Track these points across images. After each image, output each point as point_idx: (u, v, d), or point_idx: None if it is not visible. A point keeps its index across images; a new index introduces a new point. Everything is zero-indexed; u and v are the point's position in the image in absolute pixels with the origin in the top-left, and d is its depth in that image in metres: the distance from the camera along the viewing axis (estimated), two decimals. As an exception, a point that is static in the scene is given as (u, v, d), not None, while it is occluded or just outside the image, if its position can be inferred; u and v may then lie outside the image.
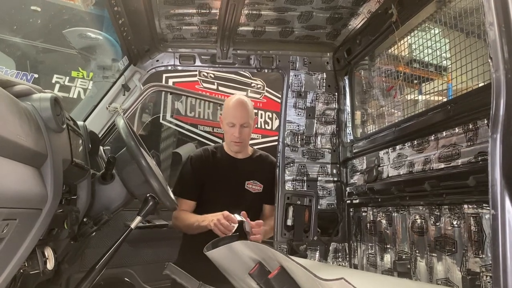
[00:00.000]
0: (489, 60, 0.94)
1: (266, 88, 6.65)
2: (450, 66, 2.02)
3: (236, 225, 2.26)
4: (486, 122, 1.62)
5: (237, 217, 2.29)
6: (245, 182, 2.64)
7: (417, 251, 2.07)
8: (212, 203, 2.50)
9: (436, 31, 2.18)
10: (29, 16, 5.79)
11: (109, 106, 2.80)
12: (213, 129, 5.79)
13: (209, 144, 5.48)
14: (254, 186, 2.66)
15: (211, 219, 2.29)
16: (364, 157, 2.65)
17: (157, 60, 2.92)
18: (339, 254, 2.81)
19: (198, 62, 2.96)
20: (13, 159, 1.04)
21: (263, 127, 6.53)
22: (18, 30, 5.70)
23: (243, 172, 2.66)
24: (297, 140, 2.91)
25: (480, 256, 1.62)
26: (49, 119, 1.28)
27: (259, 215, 2.69)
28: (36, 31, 5.81)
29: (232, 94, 6.24)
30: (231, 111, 2.57)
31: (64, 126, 1.41)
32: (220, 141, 4.32)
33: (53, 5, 5.93)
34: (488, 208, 1.58)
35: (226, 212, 2.28)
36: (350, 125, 2.90)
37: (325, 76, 2.97)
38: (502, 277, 0.85)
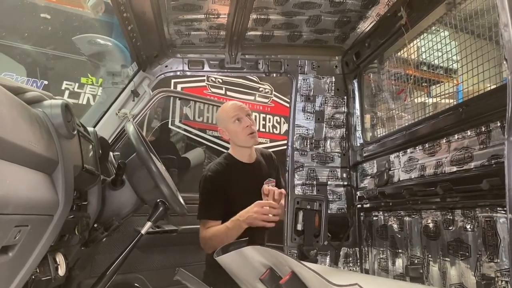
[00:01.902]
0: (504, 62, 0.93)
1: (274, 93, 6.65)
2: (460, 68, 1.99)
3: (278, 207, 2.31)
4: (499, 124, 1.59)
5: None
6: (263, 183, 2.61)
7: (430, 256, 2.04)
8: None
9: (446, 34, 2.16)
10: (39, 23, 5.86)
11: (118, 112, 2.82)
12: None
13: (217, 149, 5.50)
14: (271, 184, 2.64)
15: (246, 216, 2.25)
16: (375, 161, 2.63)
17: (166, 66, 2.93)
18: (350, 259, 2.78)
19: (206, 67, 2.97)
20: (25, 165, 1.04)
21: (271, 131, 6.52)
22: (29, 38, 5.77)
23: (260, 174, 2.64)
24: (306, 144, 2.89)
25: (495, 261, 1.59)
26: (60, 125, 1.29)
27: None
28: (46, 38, 5.88)
29: (240, 98, 6.26)
30: (232, 110, 2.56)
31: (75, 132, 1.42)
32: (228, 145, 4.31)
33: (62, 12, 6.00)
34: (502, 211, 1.56)
35: (257, 202, 2.28)
36: (360, 129, 2.88)
37: (333, 79, 2.96)
38: (520, 282, 0.83)
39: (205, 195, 2.50)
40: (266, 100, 6.62)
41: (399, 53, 2.51)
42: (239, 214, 2.30)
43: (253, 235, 2.34)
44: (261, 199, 2.49)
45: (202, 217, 2.42)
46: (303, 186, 2.82)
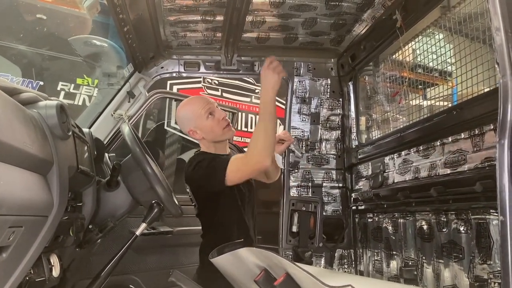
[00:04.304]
0: (496, 66, 0.94)
1: (270, 94, 6.65)
2: (455, 71, 2.01)
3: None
4: (492, 127, 1.61)
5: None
6: None
7: (424, 258, 2.05)
8: (234, 203, 2.27)
9: (441, 37, 2.18)
10: (35, 24, 5.84)
11: (114, 113, 2.81)
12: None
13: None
14: None
15: (269, 83, 2.02)
16: (369, 163, 2.64)
17: (162, 67, 2.93)
18: (345, 260, 2.79)
19: (202, 69, 2.97)
20: (19, 166, 1.04)
21: (267, 133, 6.53)
22: (24, 38, 5.75)
23: None
24: (302, 146, 2.90)
25: (488, 263, 1.60)
26: (55, 126, 1.29)
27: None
28: (41, 39, 5.86)
29: (236, 100, 6.26)
30: (202, 105, 2.26)
31: (70, 133, 1.42)
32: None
33: (58, 13, 5.99)
34: (495, 214, 1.57)
35: (264, 67, 2.07)
36: (355, 131, 2.89)
37: (329, 82, 2.97)
38: None
39: (212, 159, 2.14)
40: (262, 102, 6.62)
41: (394, 56, 2.53)
42: (261, 97, 2.07)
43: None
44: (248, 187, 2.41)
45: (226, 162, 2.04)
46: (299, 188, 2.83)
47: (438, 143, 1.96)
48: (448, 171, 1.85)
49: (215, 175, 2.07)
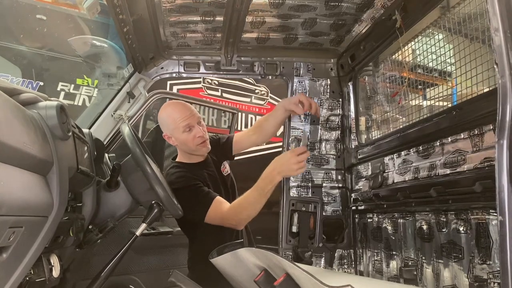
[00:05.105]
0: (495, 66, 0.94)
1: (270, 94, 6.67)
2: (454, 71, 2.01)
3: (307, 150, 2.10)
4: (492, 127, 1.61)
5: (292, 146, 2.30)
6: (221, 171, 2.51)
7: (424, 258, 2.05)
8: None
9: (441, 37, 2.18)
10: (35, 24, 5.85)
11: (114, 114, 2.81)
12: (216, 135, 5.79)
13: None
14: (225, 168, 2.56)
15: (284, 171, 2.05)
16: (369, 163, 2.65)
17: (162, 68, 2.93)
18: (345, 261, 2.79)
19: (202, 69, 2.97)
20: (19, 167, 1.05)
21: (267, 133, 6.53)
22: (24, 39, 5.76)
23: (215, 165, 2.50)
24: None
25: (488, 263, 1.60)
26: (55, 126, 1.29)
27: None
28: (41, 40, 5.86)
29: (236, 100, 6.27)
30: (181, 118, 2.27)
31: (70, 133, 1.42)
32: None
33: (58, 13, 5.99)
34: (495, 214, 1.57)
35: (292, 151, 2.06)
36: (355, 131, 2.89)
37: (329, 82, 2.97)
38: (511, 284, 0.85)
39: (193, 189, 2.19)
40: (262, 102, 6.64)
41: (394, 56, 2.53)
42: (268, 171, 2.09)
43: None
44: (226, 185, 2.43)
45: (209, 201, 2.14)
46: (298, 188, 2.83)
47: (438, 143, 1.96)
48: (448, 171, 1.85)
49: (196, 212, 2.16)
